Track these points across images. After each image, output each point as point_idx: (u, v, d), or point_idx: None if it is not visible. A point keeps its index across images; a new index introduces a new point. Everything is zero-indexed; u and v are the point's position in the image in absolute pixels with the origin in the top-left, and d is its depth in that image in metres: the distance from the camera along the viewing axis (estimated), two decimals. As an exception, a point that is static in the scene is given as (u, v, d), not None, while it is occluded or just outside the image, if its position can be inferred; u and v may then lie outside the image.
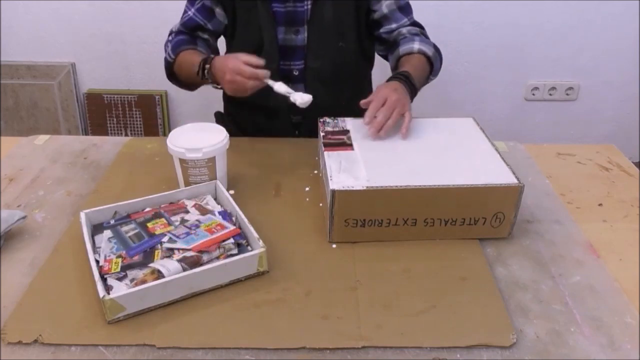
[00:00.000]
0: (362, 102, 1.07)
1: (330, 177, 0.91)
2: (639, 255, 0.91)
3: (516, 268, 0.88)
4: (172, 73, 1.29)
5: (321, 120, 1.11)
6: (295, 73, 1.29)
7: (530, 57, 2.30)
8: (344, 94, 1.31)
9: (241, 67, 1.03)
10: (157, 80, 2.36)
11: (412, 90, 1.13)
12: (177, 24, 1.31)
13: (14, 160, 1.18)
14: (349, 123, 1.10)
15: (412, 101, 1.12)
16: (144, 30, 2.25)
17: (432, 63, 1.24)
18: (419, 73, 1.19)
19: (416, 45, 1.23)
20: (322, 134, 1.06)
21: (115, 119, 2.42)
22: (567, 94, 2.38)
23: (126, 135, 2.44)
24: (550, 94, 2.38)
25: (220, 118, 1.44)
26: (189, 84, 1.29)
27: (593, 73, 2.33)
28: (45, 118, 2.38)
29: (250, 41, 1.25)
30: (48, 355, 0.71)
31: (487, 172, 0.93)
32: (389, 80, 1.14)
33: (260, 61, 1.04)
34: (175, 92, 2.39)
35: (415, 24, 1.30)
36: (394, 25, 1.27)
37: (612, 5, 2.18)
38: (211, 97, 2.35)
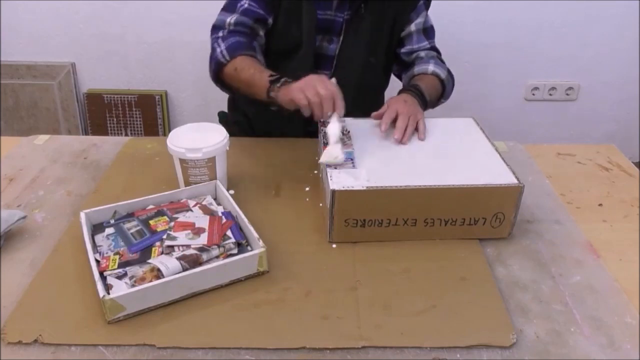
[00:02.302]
0: (374, 114, 1.09)
1: (330, 177, 0.91)
2: (639, 255, 0.91)
3: (516, 268, 0.88)
4: (222, 75, 1.18)
5: (322, 120, 1.11)
6: None
7: (530, 57, 2.30)
8: (362, 108, 1.30)
9: (326, 83, 0.96)
10: (157, 80, 2.36)
11: (423, 102, 1.14)
12: (227, 17, 1.19)
13: (14, 160, 1.18)
14: (350, 123, 1.10)
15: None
16: (144, 30, 2.25)
17: (445, 86, 1.26)
18: (431, 90, 1.20)
19: (431, 67, 1.24)
20: (322, 133, 1.07)
21: (115, 119, 2.42)
22: (567, 94, 2.38)
23: (126, 135, 2.44)
24: (550, 94, 2.38)
25: (223, 118, 1.44)
26: (241, 92, 1.18)
27: (593, 73, 2.33)
28: (45, 118, 2.38)
29: (289, 42, 1.23)
30: (48, 355, 0.71)
31: (487, 172, 0.93)
32: (400, 92, 1.16)
33: (339, 101, 0.97)
34: (175, 92, 2.39)
35: (434, 48, 1.31)
36: (415, 46, 1.28)
37: (612, 6, 2.18)
38: (211, 97, 2.36)
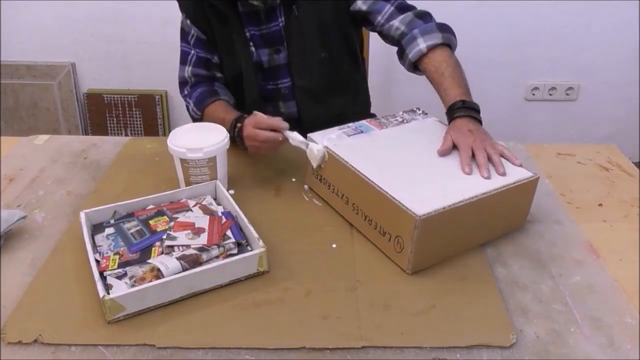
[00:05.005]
0: (439, 150, 0.97)
1: (324, 134, 1.03)
2: (639, 255, 0.91)
3: (516, 268, 0.88)
4: None
5: (415, 108, 1.15)
6: (285, 92, 1.28)
7: (530, 57, 2.30)
8: (337, 105, 1.28)
9: (254, 133, 1.03)
10: (157, 80, 2.36)
11: (478, 114, 1.05)
12: (185, 70, 1.28)
13: (14, 160, 1.18)
14: (426, 121, 1.10)
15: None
16: (144, 30, 2.25)
17: (450, 45, 1.17)
18: (458, 76, 1.10)
19: (422, 45, 1.13)
20: (395, 114, 1.13)
21: (115, 119, 2.42)
22: (567, 94, 2.38)
23: (126, 135, 2.44)
24: (550, 94, 2.38)
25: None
26: None
27: (593, 73, 2.33)
28: (45, 118, 2.38)
29: (231, 67, 1.25)
30: (48, 355, 0.71)
31: (416, 191, 0.85)
32: (452, 117, 1.04)
33: (274, 123, 1.02)
34: (176, 92, 2.38)
35: (402, 7, 1.19)
36: (379, 18, 1.19)
37: (612, 6, 2.18)
38: (211, 97, 2.36)
